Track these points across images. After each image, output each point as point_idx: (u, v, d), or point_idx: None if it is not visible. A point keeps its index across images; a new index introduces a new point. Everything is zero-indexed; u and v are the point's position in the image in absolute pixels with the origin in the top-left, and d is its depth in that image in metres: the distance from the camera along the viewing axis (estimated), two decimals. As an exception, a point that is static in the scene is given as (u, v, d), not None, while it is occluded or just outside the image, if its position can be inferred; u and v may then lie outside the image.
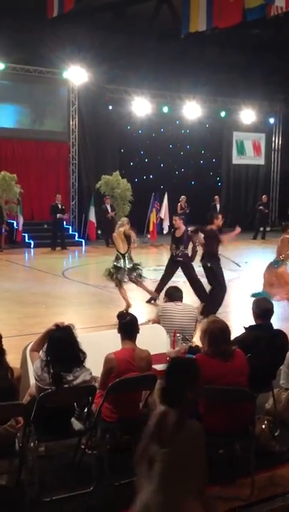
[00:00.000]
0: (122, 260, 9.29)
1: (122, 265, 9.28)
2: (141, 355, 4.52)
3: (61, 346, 4.12)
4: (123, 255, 9.30)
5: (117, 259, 9.38)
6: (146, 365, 4.52)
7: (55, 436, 4.27)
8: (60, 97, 19.69)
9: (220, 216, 9.56)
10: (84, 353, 4.18)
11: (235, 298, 10.37)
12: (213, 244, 9.03)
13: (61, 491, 4.08)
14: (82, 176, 20.14)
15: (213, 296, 9.19)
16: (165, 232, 20.43)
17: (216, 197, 21.55)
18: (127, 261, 9.25)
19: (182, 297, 6.10)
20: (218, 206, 21.07)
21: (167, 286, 6.84)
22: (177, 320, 5.66)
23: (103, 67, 18.72)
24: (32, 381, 4.37)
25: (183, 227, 9.81)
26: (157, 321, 5.86)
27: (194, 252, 9.85)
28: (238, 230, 9.89)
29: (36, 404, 3.94)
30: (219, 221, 9.40)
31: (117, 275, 9.28)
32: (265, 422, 4.81)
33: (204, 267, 9.16)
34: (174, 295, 6.02)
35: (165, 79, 20.06)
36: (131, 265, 9.31)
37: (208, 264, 9.03)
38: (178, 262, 9.85)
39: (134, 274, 9.33)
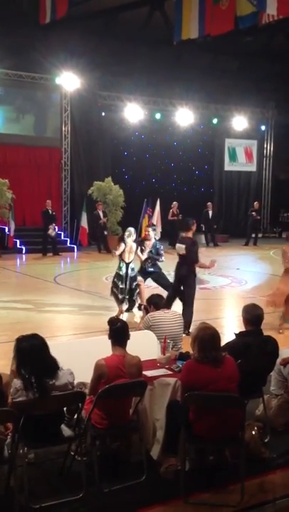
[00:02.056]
0: (124, 268, 9.22)
1: (123, 273, 9.20)
2: (131, 361, 4.51)
3: (37, 353, 4.05)
4: (127, 264, 9.24)
5: (120, 267, 9.28)
6: (136, 372, 4.52)
7: (44, 443, 4.24)
8: (53, 103, 19.71)
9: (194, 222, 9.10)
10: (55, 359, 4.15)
11: (227, 304, 10.38)
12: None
13: (50, 498, 4.05)
14: (75, 182, 20.14)
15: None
16: (157, 238, 20.42)
17: (209, 203, 21.62)
18: (129, 270, 9.20)
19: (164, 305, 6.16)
20: (210, 213, 21.13)
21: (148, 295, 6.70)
22: (167, 328, 5.66)
23: (96, 73, 18.76)
24: None
25: (153, 240, 9.73)
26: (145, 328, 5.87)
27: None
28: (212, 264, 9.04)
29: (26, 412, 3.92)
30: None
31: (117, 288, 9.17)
32: (255, 428, 4.81)
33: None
34: (160, 303, 6.07)
35: (158, 85, 20.13)
36: (133, 274, 9.25)
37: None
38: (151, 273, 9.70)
39: (135, 284, 9.26)
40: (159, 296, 6.34)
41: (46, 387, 3.97)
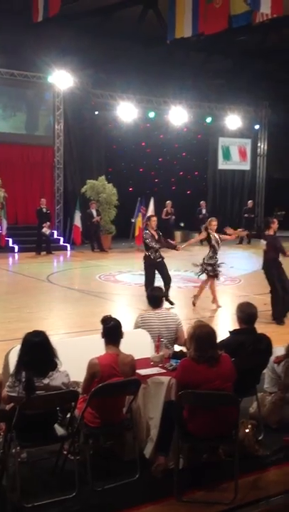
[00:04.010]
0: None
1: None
2: (125, 360, 4.50)
3: (36, 349, 4.08)
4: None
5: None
6: (130, 370, 4.50)
7: (37, 442, 4.23)
8: (45, 101, 19.63)
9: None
10: (59, 360, 4.16)
11: (221, 302, 10.38)
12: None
13: (43, 497, 4.04)
14: (68, 181, 20.09)
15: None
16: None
17: (202, 202, 21.62)
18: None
19: (163, 299, 6.07)
20: (203, 211, 21.13)
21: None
22: (156, 329, 5.59)
23: (89, 72, 18.72)
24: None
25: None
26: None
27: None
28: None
29: (18, 410, 3.91)
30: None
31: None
32: (249, 426, 4.81)
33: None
34: (156, 297, 5.98)
35: (151, 84, 20.10)
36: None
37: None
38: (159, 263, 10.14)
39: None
40: (158, 288, 6.24)
41: (32, 385, 3.95)
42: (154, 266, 10.16)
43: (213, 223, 10.30)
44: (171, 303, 10.05)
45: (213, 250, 10.07)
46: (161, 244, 10.22)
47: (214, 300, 10.21)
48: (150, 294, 6.09)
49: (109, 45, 17.94)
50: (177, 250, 10.81)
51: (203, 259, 10.13)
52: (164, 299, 6.22)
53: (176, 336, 5.70)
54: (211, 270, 10.02)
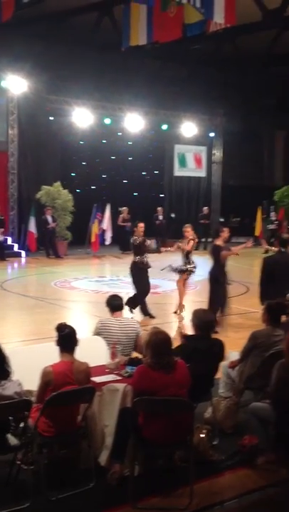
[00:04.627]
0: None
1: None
2: (79, 367, 4.46)
3: None
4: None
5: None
6: (84, 378, 4.47)
7: (-11, 453, 4.15)
8: (-1, 106, 19.36)
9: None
10: (11, 369, 4.10)
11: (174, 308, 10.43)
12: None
13: (-4, 509, 3.97)
14: (22, 186, 19.81)
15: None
16: (107, 243, 20.42)
17: (159, 208, 21.68)
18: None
19: (122, 306, 6.04)
20: (160, 218, 21.22)
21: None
22: (116, 335, 5.54)
23: (43, 77, 18.56)
24: None
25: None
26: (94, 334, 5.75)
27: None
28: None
29: None
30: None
31: None
32: (204, 431, 4.83)
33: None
34: (115, 304, 5.94)
35: (106, 90, 20.11)
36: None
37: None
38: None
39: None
40: (115, 296, 6.18)
41: None
42: (142, 271, 10.04)
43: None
44: (151, 316, 10.03)
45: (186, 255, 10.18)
46: (145, 250, 10.10)
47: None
48: (110, 301, 6.00)
49: (64, 51, 17.87)
50: (159, 253, 10.78)
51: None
52: (124, 307, 6.16)
53: (135, 344, 5.65)
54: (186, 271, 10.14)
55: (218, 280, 9.25)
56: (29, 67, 17.49)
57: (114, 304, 5.88)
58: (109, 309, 5.87)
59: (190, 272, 10.13)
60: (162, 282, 12.68)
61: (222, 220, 23.69)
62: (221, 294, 9.30)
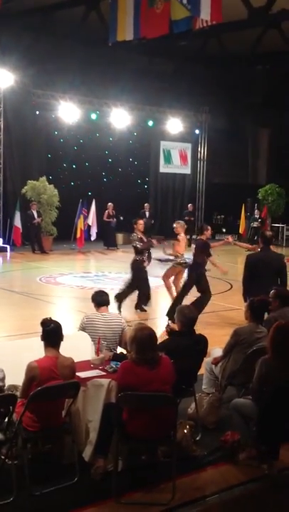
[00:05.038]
0: None
1: None
2: (64, 362, 4.48)
3: None
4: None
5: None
6: (69, 373, 4.49)
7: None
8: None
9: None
10: None
11: (161, 304, 10.48)
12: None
13: (-20, 503, 3.98)
14: (8, 181, 19.69)
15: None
16: (93, 238, 20.40)
17: (146, 204, 21.62)
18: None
19: (108, 301, 6.02)
20: (147, 214, 21.20)
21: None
22: (101, 330, 5.53)
23: (30, 71, 18.43)
24: None
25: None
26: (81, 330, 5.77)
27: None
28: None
29: None
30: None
31: None
32: (187, 426, 4.88)
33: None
34: (100, 299, 5.94)
35: (93, 85, 20.04)
36: None
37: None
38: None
39: None
40: (102, 292, 6.19)
41: None
42: (142, 269, 10.07)
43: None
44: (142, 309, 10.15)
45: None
46: (145, 245, 10.13)
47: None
48: (95, 296, 5.94)
49: (50, 45, 17.78)
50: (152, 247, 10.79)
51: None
52: (111, 303, 6.18)
53: (120, 339, 5.65)
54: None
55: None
56: (16, 60, 17.36)
57: (99, 299, 5.87)
58: (95, 305, 5.87)
59: (181, 265, 10.24)
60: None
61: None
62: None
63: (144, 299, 10.09)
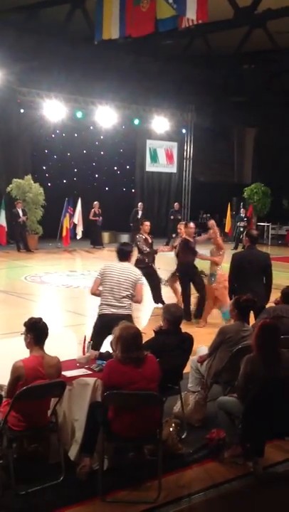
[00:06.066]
0: None
1: None
2: (50, 362, 4.47)
3: None
4: None
5: None
6: (55, 372, 4.48)
7: None
8: None
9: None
10: None
11: (147, 302, 10.48)
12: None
13: None
14: (-8, 179, 19.62)
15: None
16: (78, 237, 20.35)
17: (140, 204, 21.44)
18: None
19: (129, 254, 6.26)
20: (140, 213, 21.12)
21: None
22: (115, 276, 5.94)
23: (14, 69, 18.31)
24: None
25: None
26: (99, 276, 6.05)
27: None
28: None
29: None
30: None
31: None
32: (173, 425, 4.90)
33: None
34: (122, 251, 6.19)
35: (78, 83, 19.96)
36: None
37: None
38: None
39: None
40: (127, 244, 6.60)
41: None
42: (146, 267, 9.99)
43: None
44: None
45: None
46: (152, 249, 10.18)
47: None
48: (119, 247, 6.34)
49: (35, 43, 17.65)
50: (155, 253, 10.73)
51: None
52: (130, 255, 6.38)
53: (132, 291, 5.96)
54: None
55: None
56: (0, 58, 17.26)
57: (121, 251, 6.21)
58: (118, 256, 6.19)
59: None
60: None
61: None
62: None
63: (157, 296, 10.21)
